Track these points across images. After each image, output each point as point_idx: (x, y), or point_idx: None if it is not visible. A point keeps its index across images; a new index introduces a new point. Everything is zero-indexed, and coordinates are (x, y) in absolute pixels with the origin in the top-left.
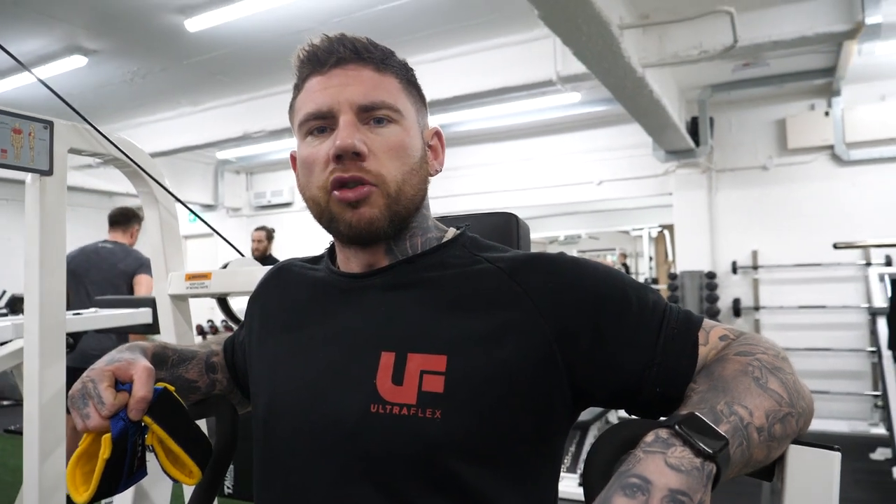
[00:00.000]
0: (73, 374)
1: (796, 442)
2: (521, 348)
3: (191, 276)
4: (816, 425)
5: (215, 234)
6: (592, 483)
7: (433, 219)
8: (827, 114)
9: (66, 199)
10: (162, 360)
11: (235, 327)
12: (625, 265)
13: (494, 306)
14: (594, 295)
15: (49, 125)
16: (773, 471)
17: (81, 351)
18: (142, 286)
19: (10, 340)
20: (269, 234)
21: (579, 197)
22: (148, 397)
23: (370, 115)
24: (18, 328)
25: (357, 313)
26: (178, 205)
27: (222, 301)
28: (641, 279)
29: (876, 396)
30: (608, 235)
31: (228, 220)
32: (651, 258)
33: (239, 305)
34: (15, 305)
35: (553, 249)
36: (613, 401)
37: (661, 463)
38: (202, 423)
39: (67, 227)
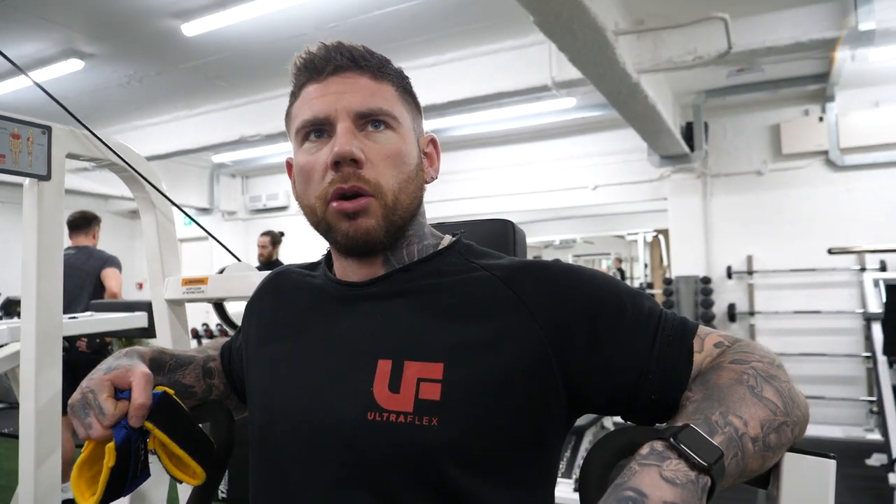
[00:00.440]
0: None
1: (791, 449)
2: (516, 355)
3: (187, 281)
4: (811, 431)
5: (211, 238)
6: (589, 490)
7: (429, 226)
8: (821, 119)
9: (64, 202)
10: (159, 365)
11: (231, 331)
12: (620, 270)
13: (490, 313)
14: (589, 301)
15: (47, 130)
16: (768, 479)
17: None
18: (110, 279)
19: (6, 344)
20: (275, 239)
21: (574, 201)
22: (147, 403)
23: (367, 122)
24: (14, 331)
25: (354, 322)
26: (175, 209)
27: (219, 306)
28: (637, 284)
29: (871, 402)
30: (603, 240)
31: (224, 223)
32: (646, 265)
33: (235, 310)
34: (11, 308)
35: (548, 254)
36: (609, 407)
37: (657, 476)
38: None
39: (64, 231)
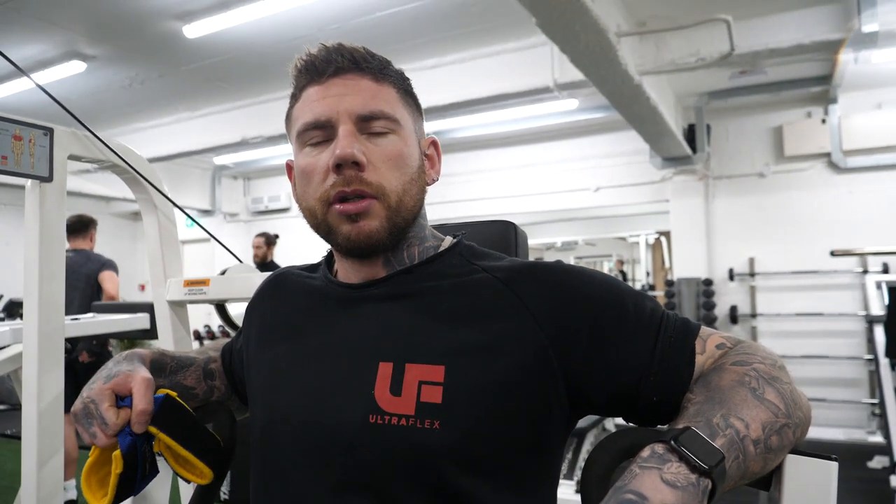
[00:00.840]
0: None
1: (794, 451)
2: (518, 357)
3: (189, 283)
4: (813, 433)
5: (212, 239)
6: (590, 492)
7: (430, 227)
8: (824, 121)
9: (66, 204)
10: (160, 367)
11: (232, 332)
12: (622, 272)
13: (491, 316)
14: (591, 303)
15: (49, 132)
16: (770, 480)
17: None
18: (107, 282)
19: (9, 345)
20: (269, 240)
21: (576, 203)
22: (149, 409)
23: (369, 125)
24: (17, 333)
25: (355, 324)
26: (176, 210)
27: (220, 307)
28: (638, 286)
29: (873, 404)
30: (605, 242)
31: (226, 225)
32: (648, 273)
33: (237, 311)
34: (13, 310)
35: (550, 255)
36: (610, 408)
37: (657, 479)
38: None
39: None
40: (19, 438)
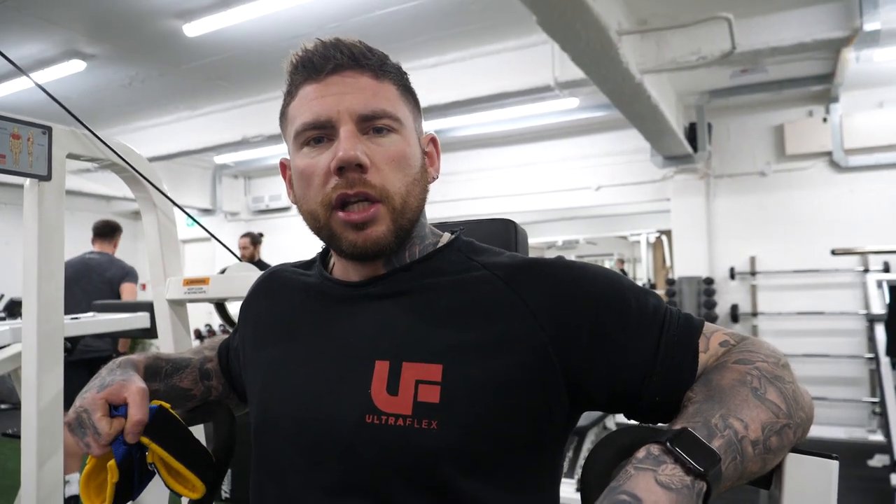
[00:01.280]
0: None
1: (794, 450)
2: (517, 356)
3: (189, 282)
4: (814, 432)
5: (213, 239)
6: (590, 490)
7: (430, 226)
8: (825, 120)
9: (65, 203)
10: (155, 371)
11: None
12: (623, 271)
13: (490, 314)
14: (592, 300)
15: (48, 130)
16: (770, 479)
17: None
18: (126, 293)
19: (9, 345)
20: (255, 239)
21: (577, 202)
22: (143, 420)
23: (370, 124)
24: (16, 332)
25: (351, 322)
26: (176, 209)
27: (220, 306)
28: (639, 284)
29: (874, 403)
30: (606, 241)
31: (226, 224)
32: (651, 280)
33: (236, 310)
34: (13, 309)
35: (551, 254)
36: (611, 406)
37: (652, 481)
38: (200, 429)
39: (66, 232)
40: (20, 437)
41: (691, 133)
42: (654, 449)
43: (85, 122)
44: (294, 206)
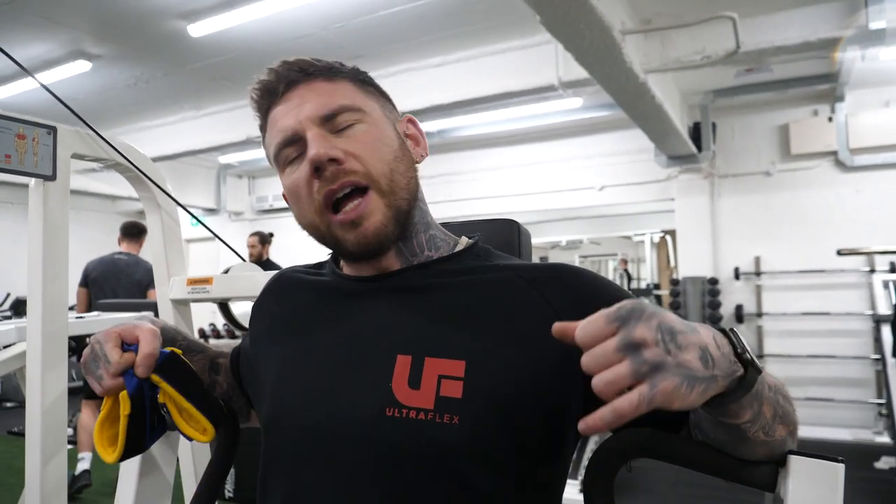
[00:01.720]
0: None
1: (799, 452)
2: (540, 356)
3: (192, 281)
4: (819, 434)
5: (217, 238)
6: (592, 491)
7: (432, 217)
8: (830, 119)
9: (70, 203)
10: (171, 340)
11: (237, 332)
12: (626, 271)
13: (514, 313)
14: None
15: (52, 130)
16: (775, 482)
17: None
18: (153, 298)
19: (14, 343)
20: (263, 238)
21: (581, 202)
22: (154, 353)
23: (334, 122)
24: (22, 331)
25: (369, 316)
26: (180, 209)
27: (224, 306)
28: (643, 285)
29: (880, 405)
30: (610, 241)
31: (231, 224)
32: (656, 285)
33: (240, 310)
34: (19, 308)
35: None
36: None
37: (708, 331)
38: None
39: (71, 231)
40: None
41: (695, 133)
42: (717, 330)
43: (90, 122)
44: None
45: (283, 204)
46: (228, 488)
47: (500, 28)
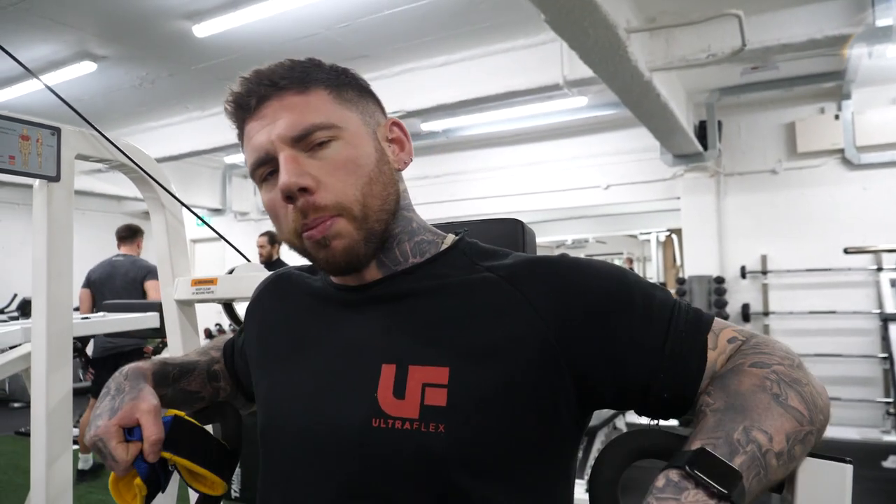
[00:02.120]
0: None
1: (808, 453)
2: (523, 356)
3: (197, 282)
4: (827, 433)
5: (222, 239)
6: (599, 492)
7: (421, 220)
8: (837, 117)
9: (74, 204)
10: (163, 377)
11: None
12: (631, 270)
13: (496, 316)
14: (597, 296)
15: (56, 131)
16: (782, 484)
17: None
18: (151, 290)
19: (20, 344)
20: (273, 238)
21: (586, 201)
22: (160, 438)
23: (307, 141)
24: (27, 332)
25: (356, 326)
26: (185, 210)
27: (228, 306)
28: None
29: (888, 403)
30: (615, 239)
31: (236, 224)
32: (662, 283)
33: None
34: (26, 309)
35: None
36: (620, 403)
37: None
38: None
39: (77, 232)
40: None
41: (701, 131)
42: (674, 475)
43: (95, 123)
44: None
45: None
46: (235, 488)
47: (504, 27)
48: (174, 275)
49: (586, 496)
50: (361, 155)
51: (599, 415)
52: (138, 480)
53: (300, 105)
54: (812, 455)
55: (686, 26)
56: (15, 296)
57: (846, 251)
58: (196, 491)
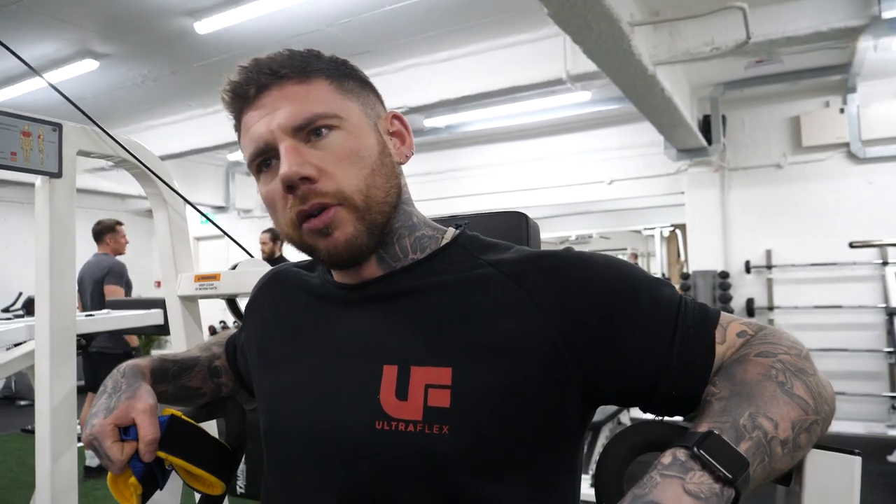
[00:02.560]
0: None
1: (815, 446)
2: (528, 356)
3: (200, 278)
4: (832, 427)
5: (226, 236)
6: (605, 486)
7: (421, 215)
8: (842, 111)
9: (76, 201)
10: (162, 374)
11: None
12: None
13: (499, 313)
14: (602, 292)
15: (58, 128)
16: (790, 476)
17: None
18: (109, 296)
19: (24, 341)
20: (276, 235)
21: (590, 196)
22: (155, 438)
23: (307, 131)
24: (32, 329)
25: (356, 325)
26: (188, 207)
27: (231, 302)
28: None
29: (893, 398)
30: (620, 235)
31: (240, 221)
32: (665, 275)
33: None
34: (31, 307)
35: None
36: (626, 399)
37: (679, 489)
38: (211, 424)
39: (80, 230)
40: None
41: (705, 125)
42: (681, 454)
43: (98, 121)
44: None
45: None
46: (240, 484)
47: (507, 21)
48: (177, 270)
49: (590, 491)
50: (363, 146)
51: (603, 410)
52: (133, 479)
53: (301, 94)
54: (820, 447)
55: (690, 19)
56: (20, 294)
57: (851, 245)
58: (195, 490)
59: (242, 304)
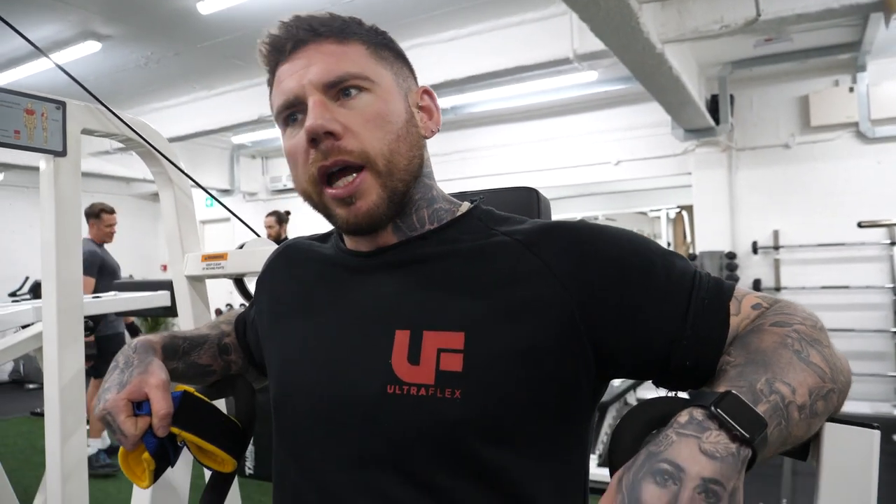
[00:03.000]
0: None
1: (832, 420)
2: (542, 323)
3: (207, 257)
4: None
5: (232, 219)
6: (618, 461)
7: (440, 190)
8: (851, 90)
9: (81, 181)
10: (173, 349)
11: None
12: None
13: (513, 280)
14: (618, 263)
15: (62, 105)
16: (807, 450)
17: None
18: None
19: (32, 323)
20: (281, 218)
21: (597, 177)
22: (169, 413)
23: (338, 90)
24: (39, 311)
25: (369, 292)
26: (195, 188)
27: (238, 282)
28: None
29: None
30: (626, 217)
31: (245, 204)
32: (669, 243)
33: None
34: (38, 291)
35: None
36: (639, 372)
37: (695, 448)
38: (221, 403)
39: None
40: None
41: (713, 105)
42: (698, 413)
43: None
44: None
45: None
46: (249, 465)
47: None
48: (184, 251)
49: (598, 470)
50: (391, 111)
51: (611, 390)
52: (146, 455)
53: (337, 53)
54: (837, 421)
55: None
56: (26, 279)
57: (860, 225)
58: (206, 467)
59: (250, 284)
